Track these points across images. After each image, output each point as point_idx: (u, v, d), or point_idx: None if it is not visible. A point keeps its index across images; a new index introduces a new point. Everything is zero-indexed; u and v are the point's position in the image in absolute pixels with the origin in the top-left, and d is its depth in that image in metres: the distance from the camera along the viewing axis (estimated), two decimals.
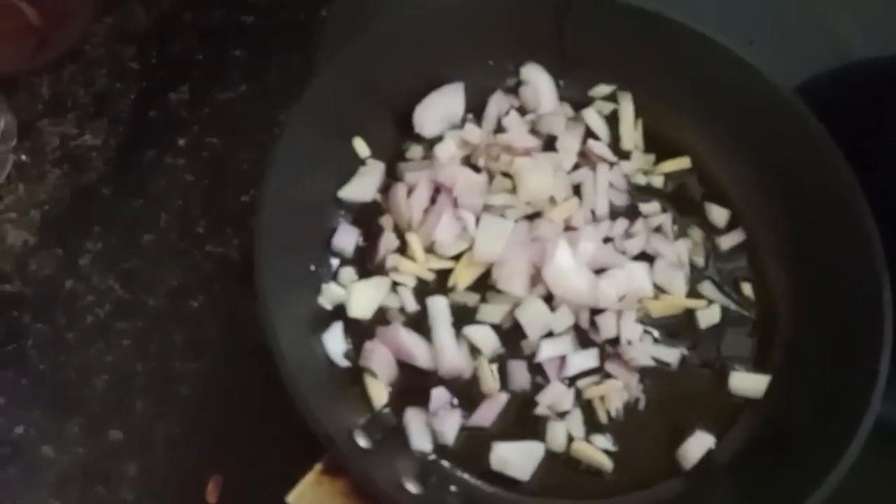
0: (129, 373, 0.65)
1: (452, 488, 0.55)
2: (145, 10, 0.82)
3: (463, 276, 0.61)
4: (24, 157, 0.73)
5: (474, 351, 0.60)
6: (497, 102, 0.69)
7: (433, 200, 0.64)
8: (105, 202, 0.72)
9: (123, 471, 0.62)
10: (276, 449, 0.59)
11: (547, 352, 0.59)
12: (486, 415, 0.58)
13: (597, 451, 0.58)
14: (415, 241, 0.62)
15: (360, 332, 0.60)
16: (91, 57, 0.79)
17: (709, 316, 0.63)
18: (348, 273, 0.62)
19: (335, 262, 0.63)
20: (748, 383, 0.61)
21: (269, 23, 0.83)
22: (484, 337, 0.60)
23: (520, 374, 0.59)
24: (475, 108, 0.69)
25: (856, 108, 0.76)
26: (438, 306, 0.60)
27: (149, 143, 0.75)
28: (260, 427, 0.61)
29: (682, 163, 0.69)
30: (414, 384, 0.59)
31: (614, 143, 0.69)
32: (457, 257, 0.63)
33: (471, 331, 0.60)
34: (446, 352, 0.58)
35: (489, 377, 0.59)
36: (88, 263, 0.70)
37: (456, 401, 0.59)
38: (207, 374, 0.65)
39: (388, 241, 0.62)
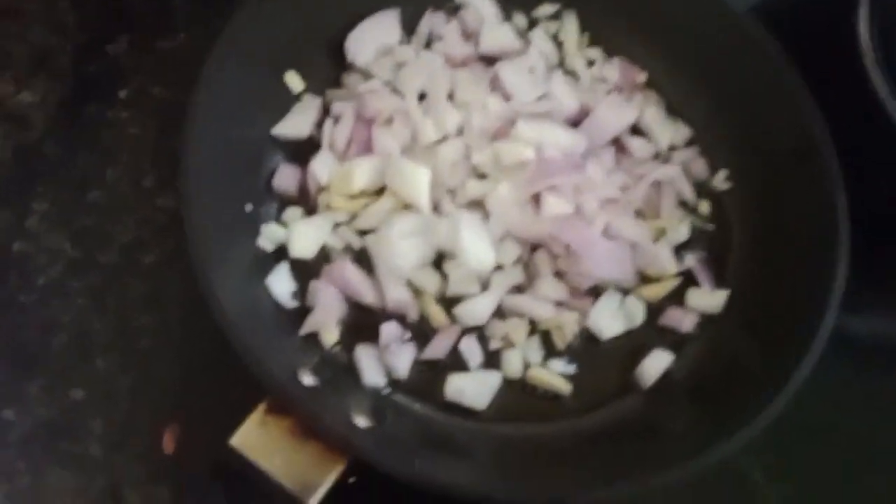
0: (87, 330, 0.65)
1: (408, 421, 0.55)
2: None
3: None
4: None
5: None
6: (431, 19, 0.67)
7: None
8: (49, 160, 0.71)
9: (89, 427, 0.62)
10: (232, 395, 0.59)
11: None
12: (439, 347, 0.58)
13: (554, 375, 0.58)
14: (340, 178, 0.60)
15: (307, 273, 0.59)
16: (26, 12, 0.77)
17: (677, 235, 0.63)
18: (295, 213, 0.61)
19: (275, 203, 0.61)
20: (706, 299, 0.61)
21: None
22: (426, 276, 0.58)
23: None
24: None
25: (816, 17, 0.74)
26: None
27: (90, 98, 0.73)
28: (216, 374, 0.61)
29: (635, 75, 0.68)
30: (364, 321, 0.58)
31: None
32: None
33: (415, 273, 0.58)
34: (390, 288, 0.57)
35: (437, 314, 0.58)
36: (36, 223, 0.68)
37: (408, 335, 0.58)
38: (165, 326, 0.65)
39: (317, 177, 0.61)
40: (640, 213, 0.63)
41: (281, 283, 0.58)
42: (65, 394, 0.63)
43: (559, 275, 0.60)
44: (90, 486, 0.60)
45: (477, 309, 0.57)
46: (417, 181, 0.58)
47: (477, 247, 0.57)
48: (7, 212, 0.68)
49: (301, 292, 0.58)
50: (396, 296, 0.57)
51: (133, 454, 0.60)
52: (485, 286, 0.59)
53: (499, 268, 0.59)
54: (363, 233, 0.60)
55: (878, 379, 0.68)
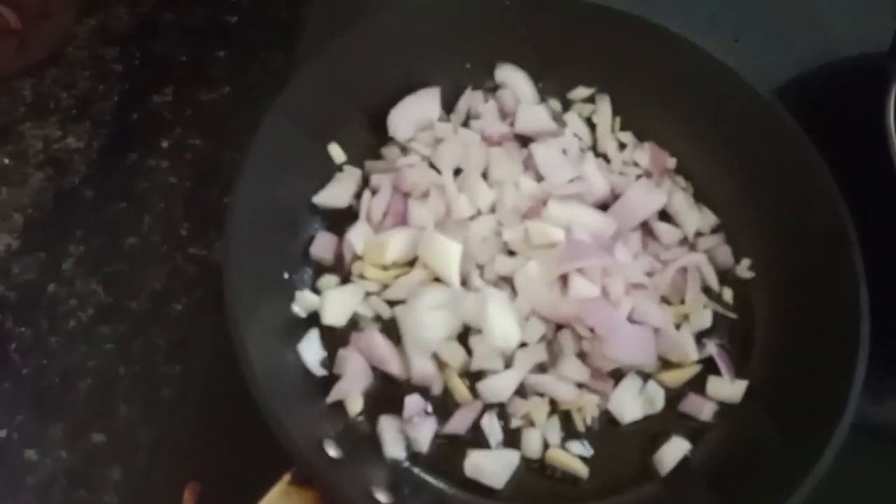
0: (112, 376, 0.66)
1: (426, 497, 0.56)
2: (127, 11, 0.82)
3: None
4: (6, 161, 0.74)
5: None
6: (469, 98, 0.69)
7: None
8: (88, 205, 0.72)
9: (106, 475, 0.62)
10: (254, 456, 0.59)
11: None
12: (461, 422, 0.58)
13: (572, 458, 0.58)
14: (374, 248, 0.61)
15: (336, 341, 0.60)
16: (73, 59, 0.79)
17: (700, 322, 0.63)
18: (329, 280, 0.62)
19: (310, 269, 0.63)
20: (725, 388, 0.61)
21: (252, 22, 0.83)
22: (451, 350, 0.59)
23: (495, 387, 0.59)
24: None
25: (842, 104, 0.76)
26: None
27: (131, 146, 0.75)
28: (239, 432, 0.61)
29: (665, 160, 0.69)
30: (389, 392, 0.59)
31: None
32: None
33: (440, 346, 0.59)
34: (416, 360, 0.58)
35: (460, 388, 0.59)
36: (71, 267, 0.70)
37: (430, 408, 0.59)
38: (190, 377, 0.65)
39: (353, 246, 0.62)
40: (664, 299, 0.64)
41: (311, 350, 0.59)
42: (86, 439, 0.63)
43: (582, 356, 0.60)
44: None
45: (499, 386, 0.58)
46: (449, 255, 0.59)
47: (503, 323, 0.58)
48: (44, 253, 0.70)
49: (330, 360, 0.59)
50: (421, 368, 0.58)
51: None
52: (508, 363, 0.59)
53: (523, 345, 0.60)
54: (394, 303, 0.61)
55: None
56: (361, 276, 0.61)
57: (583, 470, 0.58)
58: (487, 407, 0.59)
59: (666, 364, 0.62)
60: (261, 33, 0.82)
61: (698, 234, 0.67)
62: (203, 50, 0.81)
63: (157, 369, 0.66)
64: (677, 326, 0.63)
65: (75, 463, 0.62)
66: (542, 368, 0.60)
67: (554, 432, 0.59)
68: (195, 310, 0.68)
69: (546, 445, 0.59)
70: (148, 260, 0.70)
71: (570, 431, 0.60)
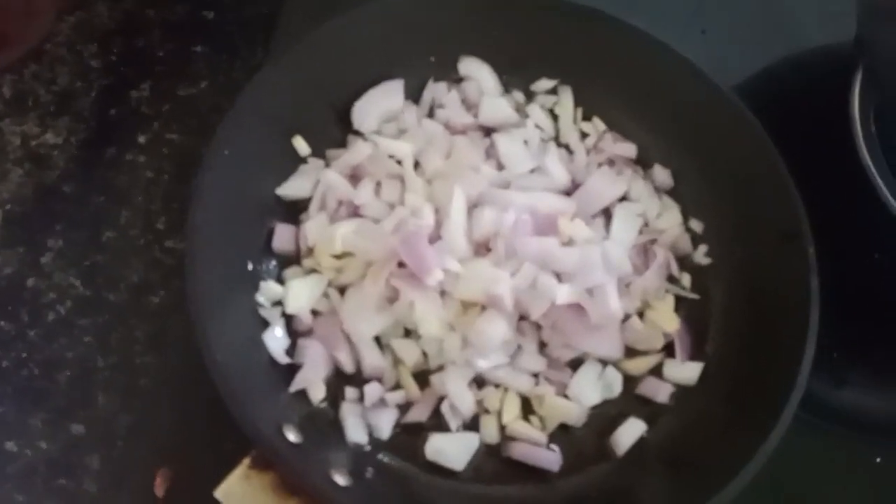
0: (90, 368, 0.67)
1: (388, 479, 0.57)
2: (108, 8, 0.83)
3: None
4: None
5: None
6: (433, 89, 0.70)
7: None
8: (67, 200, 0.73)
9: (86, 463, 0.64)
10: (224, 444, 0.61)
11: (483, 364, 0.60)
12: (420, 411, 0.59)
13: (533, 429, 0.59)
14: (325, 239, 0.62)
15: (301, 330, 0.61)
16: (53, 55, 0.80)
17: (664, 307, 0.65)
18: (295, 271, 0.63)
19: (275, 260, 0.64)
20: (682, 371, 0.63)
21: (231, 18, 0.83)
22: (405, 347, 0.60)
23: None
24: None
25: (808, 95, 0.76)
26: None
27: (110, 141, 0.76)
28: (211, 422, 0.62)
29: (627, 149, 0.70)
30: (351, 379, 0.60)
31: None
32: None
33: (395, 342, 0.60)
34: (366, 353, 0.59)
35: (411, 387, 0.60)
36: (50, 261, 0.71)
37: (389, 398, 0.60)
38: (166, 368, 0.67)
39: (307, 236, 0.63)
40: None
41: (276, 339, 0.60)
42: (66, 429, 0.65)
43: (542, 344, 0.62)
44: None
45: (450, 384, 0.59)
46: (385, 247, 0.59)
47: (430, 324, 0.59)
48: (24, 248, 0.71)
49: (293, 349, 0.61)
50: (371, 361, 0.59)
51: (126, 494, 0.62)
52: None
53: None
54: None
55: (854, 452, 0.69)
56: (317, 267, 0.62)
57: (542, 439, 0.59)
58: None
59: (629, 352, 0.63)
60: (239, 29, 0.82)
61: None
62: (182, 45, 0.81)
63: (134, 360, 0.67)
64: (640, 314, 0.64)
65: (55, 453, 0.64)
66: None
67: (514, 407, 0.60)
68: (172, 302, 0.69)
69: (503, 428, 0.60)
70: (126, 253, 0.71)
71: (529, 409, 0.61)
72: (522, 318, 0.61)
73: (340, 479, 0.53)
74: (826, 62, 0.78)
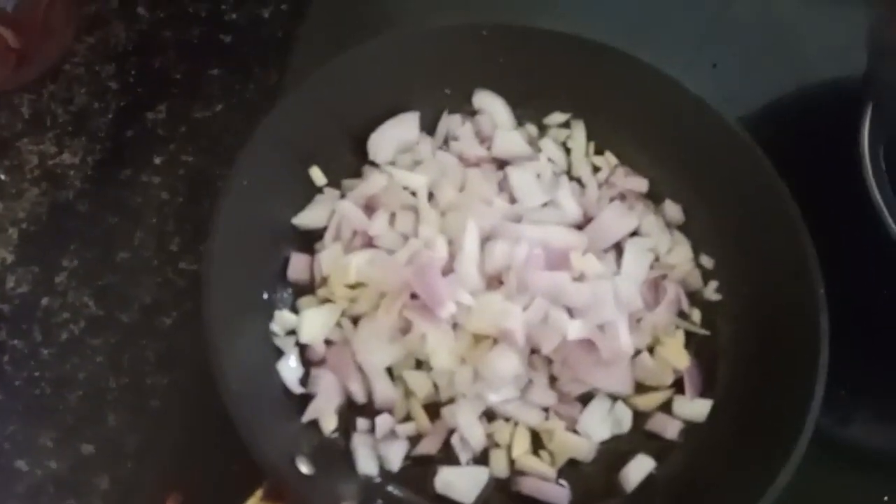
0: (101, 387, 0.67)
1: None
2: (125, 29, 0.84)
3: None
4: (2, 176, 0.75)
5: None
6: (448, 121, 0.70)
7: None
8: (81, 219, 0.74)
9: (94, 483, 0.64)
10: (234, 468, 0.61)
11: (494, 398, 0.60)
12: (430, 444, 0.60)
13: (542, 463, 0.59)
14: (339, 268, 0.62)
15: (315, 360, 0.61)
16: (71, 75, 0.81)
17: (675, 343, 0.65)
18: (308, 300, 0.63)
19: (290, 289, 0.64)
20: (691, 408, 0.63)
21: (247, 41, 0.84)
22: (416, 379, 0.61)
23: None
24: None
25: (818, 130, 0.77)
26: None
27: (125, 161, 0.77)
28: (222, 444, 0.62)
29: (639, 184, 0.71)
30: (362, 410, 0.60)
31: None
32: None
33: (406, 374, 0.60)
34: (377, 384, 0.59)
35: (422, 419, 0.60)
36: (64, 280, 0.71)
37: (401, 429, 0.60)
38: (177, 389, 0.67)
39: (322, 266, 0.63)
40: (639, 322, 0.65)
41: (290, 369, 0.60)
42: (76, 448, 0.65)
43: (552, 378, 0.62)
44: None
45: (460, 417, 0.59)
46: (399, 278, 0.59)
47: (442, 358, 0.59)
48: (38, 267, 0.72)
49: (307, 378, 0.61)
50: (382, 392, 0.59)
51: None
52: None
53: None
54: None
55: (862, 490, 0.69)
56: (331, 296, 0.63)
57: (551, 474, 0.59)
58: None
59: (639, 387, 0.64)
60: (255, 51, 0.83)
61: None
62: (198, 68, 0.82)
63: (145, 381, 0.68)
64: (650, 349, 0.65)
65: (64, 472, 0.64)
66: None
67: (524, 441, 0.60)
68: (184, 323, 0.70)
69: (513, 463, 0.60)
70: (139, 274, 0.72)
71: (538, 444, 0.61)
72: (534, 351, 0.61)
73: None
74: (835, 95, 0.79)
